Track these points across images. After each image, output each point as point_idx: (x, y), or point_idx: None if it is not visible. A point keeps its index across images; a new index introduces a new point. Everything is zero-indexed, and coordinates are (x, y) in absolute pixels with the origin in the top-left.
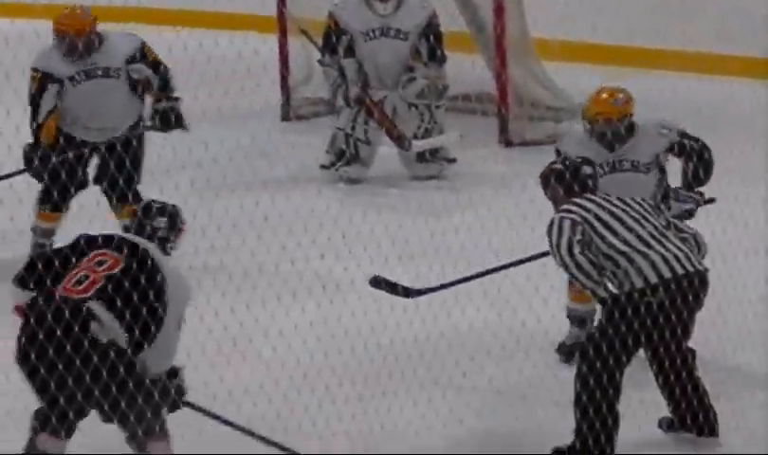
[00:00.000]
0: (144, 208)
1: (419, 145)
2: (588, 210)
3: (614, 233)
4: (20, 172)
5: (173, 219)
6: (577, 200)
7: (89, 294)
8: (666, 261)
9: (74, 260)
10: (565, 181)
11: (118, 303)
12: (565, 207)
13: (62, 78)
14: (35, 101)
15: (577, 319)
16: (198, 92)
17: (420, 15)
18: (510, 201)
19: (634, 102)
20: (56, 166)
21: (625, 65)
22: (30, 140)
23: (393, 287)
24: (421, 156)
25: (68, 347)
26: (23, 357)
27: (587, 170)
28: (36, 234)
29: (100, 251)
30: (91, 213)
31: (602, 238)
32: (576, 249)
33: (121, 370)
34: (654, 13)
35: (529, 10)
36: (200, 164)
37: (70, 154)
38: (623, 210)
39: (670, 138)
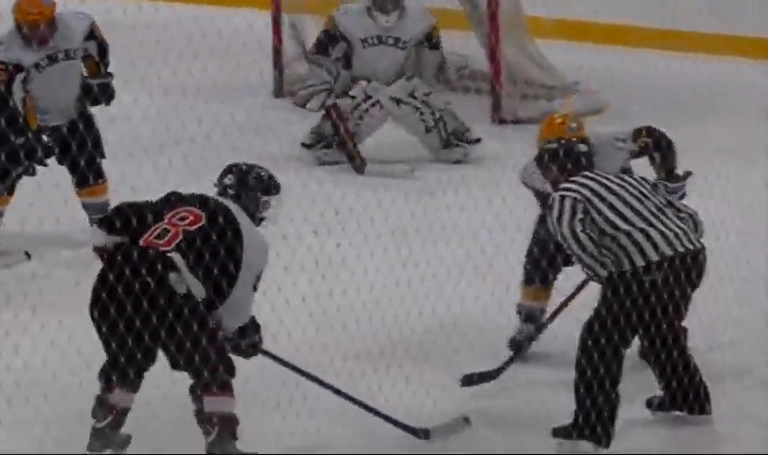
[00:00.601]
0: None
1: (374, 170)
2: (587, 188)
3: (614, 210)
4: None
5: (251, 178)
6: (577, 178)
7: (170, 247)
8: (665, 238)
9: (164, 213)
10: (559, 160)
11: (196, 257)
12: (565, 185)
13: (28, 66)
14: (7, 93)
15: (527, 316)
16: (193, 67)
17: (420, 26)
18: (503, 179)
19: (584, 126)
20: (15, 148)
21: (616, 44)
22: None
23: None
24: (446, 143)
25: (147, 295)
26: (102, 306)
27: (582, 148)
28: None
29: (185, 208)
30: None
31: (602, 215)
32: (579, 228)
33: (194, 321)
34: None
35: None
36: (193, 140)
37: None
38: (622, 188)
39: (628, 149)
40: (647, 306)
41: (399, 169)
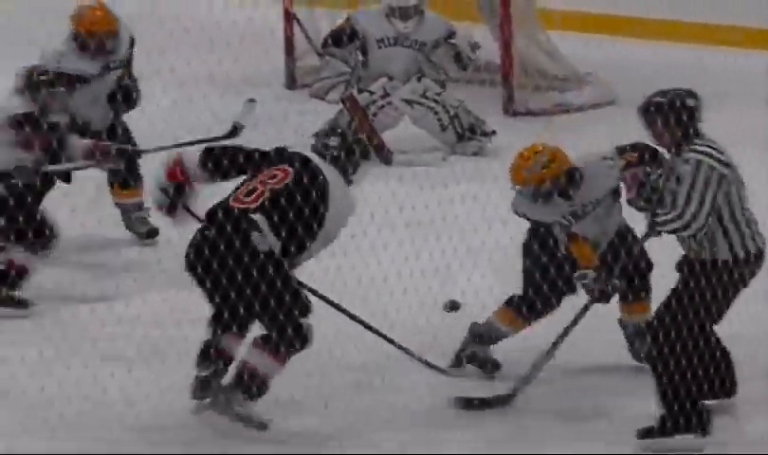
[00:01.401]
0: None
1: (401, 160)
2: (725, 166)
3: (737, 196)
4: None
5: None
6: (713, 152)
7: (255, 205)
8: (752, 236)
9: (263, 167)
10: (663, 112)
11: (280, 214)
12: (711, 158)
13: (88, 77)
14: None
15: (483, 337)
16: (207, 59)
17: (439, 30)
18: None
19: (559, 158)
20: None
21: (627, 35)
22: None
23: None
24: (460, 137)
25: (232, 254)
26: (199, 261)
27: (690, 102)
28: None
29: (280, 166)
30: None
31: (727, 199)
32: (710, 206)
33: (267, 280)
34: None
35: None
36: (209, 131)
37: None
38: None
39: (618, 167)
40: (731, 296)
41: (431, 157)
